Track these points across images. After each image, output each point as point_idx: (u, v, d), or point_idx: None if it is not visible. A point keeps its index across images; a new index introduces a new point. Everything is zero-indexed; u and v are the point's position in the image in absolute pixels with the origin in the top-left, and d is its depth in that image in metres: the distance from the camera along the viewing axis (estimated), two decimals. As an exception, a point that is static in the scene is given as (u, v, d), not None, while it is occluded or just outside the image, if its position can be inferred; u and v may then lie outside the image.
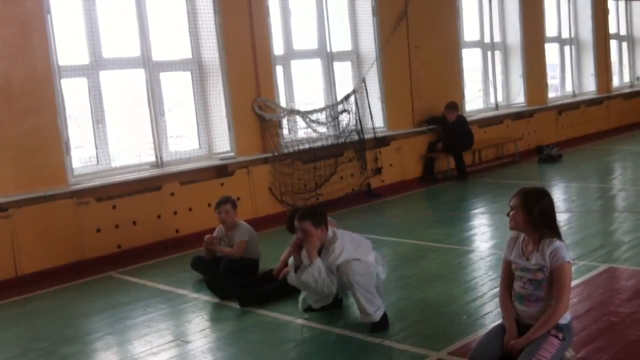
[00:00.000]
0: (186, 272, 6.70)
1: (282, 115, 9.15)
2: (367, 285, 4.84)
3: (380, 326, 4.86)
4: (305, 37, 9.94)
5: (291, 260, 5.14)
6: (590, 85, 15.60)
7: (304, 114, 9.39)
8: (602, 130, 15.29)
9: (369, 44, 10.49)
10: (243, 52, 8.75)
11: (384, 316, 4.90)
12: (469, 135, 11.35)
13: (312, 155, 9.42)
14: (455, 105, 11.16)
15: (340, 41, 10.34)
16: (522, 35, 13.24)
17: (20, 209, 6.89)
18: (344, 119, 9.84)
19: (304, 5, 9.87)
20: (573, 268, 3.86)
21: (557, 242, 3.78)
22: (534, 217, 3.78)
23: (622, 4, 16.91)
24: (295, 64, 9.72)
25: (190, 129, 8.79)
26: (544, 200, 3.84)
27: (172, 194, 8.04)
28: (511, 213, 3.86)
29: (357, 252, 4.97)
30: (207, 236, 6.49)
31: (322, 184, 9.43)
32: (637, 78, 17.35)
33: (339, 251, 4.89)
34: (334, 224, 5.44)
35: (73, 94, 7.68)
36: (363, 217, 8.92)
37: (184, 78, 8.69)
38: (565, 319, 3.78)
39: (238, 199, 6.98)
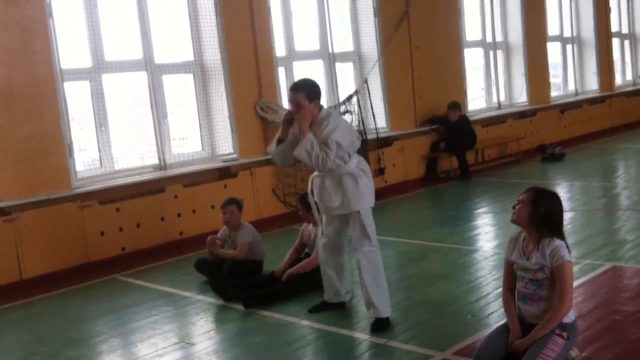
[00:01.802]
0: (190, 274, 6.70)
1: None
2: (378, 280, 4.88)
3: (382, 326, 4.87)
4: (307, 39, 9.95)
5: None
6: (592, 84, 15.59)
7: (306, 115, 9.37)
8: (605, 129, 15.27)
9: (370, 45, 10.49)
10: (245, 54, 8.76)
11: (388, 318, 4.91)
12: (472, 135, 11.34)
13: (315, 156, 9.39)
14: (458, 105, 11.16)
15: (342, 42, 10.34)
16: (524, 34, 13.23)
17: (23, 213, 6.90)
18: (347, 119, 9.83)
19: (305, 7, 9.88)
20: (577, 267, 3.86)
21: (557, 241, 3.78)
22: (539, 216, 3.77)
23: (624, 2, 16.89)
24: (297, 65, 9.72)
25: (192, 131, 8.80)
26: (552, 202, 3.84)
27: (176, 196, 8.05)
28: (517, 207, 3.86)
29: (348, 135, 4.83)
30: (209, 237, 6.50)
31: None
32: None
33: (333, 126, 4.70)
34: None
35: (75, 97, 7.69)
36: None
37: (186, 80, 8.69)
38: (569, 317, 3.78)
39: (242, 200, 6.98)
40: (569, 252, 3.80)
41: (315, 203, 5.13)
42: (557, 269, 3.74)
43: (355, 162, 4.92)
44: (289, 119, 4.83)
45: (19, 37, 6.95)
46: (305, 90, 4.76)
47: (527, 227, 3.86)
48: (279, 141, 4.92)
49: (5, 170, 6.88)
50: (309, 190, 5.19)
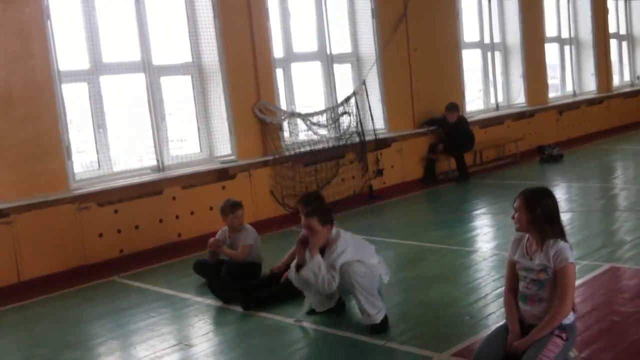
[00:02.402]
0: (189, 275, 6.69)
1: (282, 118, 9.16)
2: (369, 288, 4.85)
3: (380, 328, 4.86)
4: (305, 40, 9.95)
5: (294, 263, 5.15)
6: (590, 85, 15.61)
7: (305, 117, 9.39)
8: (603, 130, 15.28)
9: (368, 46, 10.50)
10: (243, 56, 8.76)
11: (385, 319, 4.90)
12: (470, 136, 11.35)
13: (313, 157, 9.41)
14: (456, 106, 11.16)
15: (340, 43, 10.34)
16: (522, 35, 13.25)
17: (21, 215, 6.89)
18: (345, 121, 9.84)
19: (303, 8, 9.88)
20: (575, 268, 3.85)
21: (561, 243, 3.78)
22: (537, 217, 3.78)
23: (621, 3, 16.92)
24: (295, 67, 9.72)
25: (191, 133, 8.80)
26: (546, 200, 3.84)
27: (174, 198, 8.04)
28: (515, 215, 3.86)
29: (360, 253, 4.97)
30: (211, 239, 6.49)
31: (324, 187, 9.42)
32: (638, 77, 17.36)
33: (341, 249, 4.89)
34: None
35: (73, 99, 7.69)
36: (364, 219, 8.91)
37: (185, 82, 8.69)
38: (568, 319, 3.78)
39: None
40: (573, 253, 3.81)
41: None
42: (560, 271, 3.74)
43: (375, 262, 5.05)
44: (304, 241, 4.98)
45: (17, 39, 6.94)
46: (319, 216, 4.94)
47: (530, 231, 3.87)
48: (298, 267, 5.03)
49: (3, 173, 6.87)
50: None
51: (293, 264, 5.15)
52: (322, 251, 4.94)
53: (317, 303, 5.31)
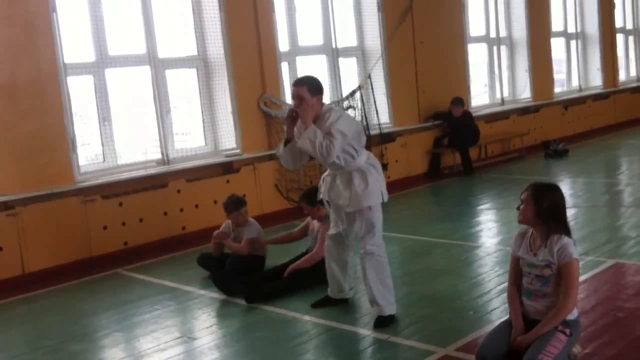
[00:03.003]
0: (193, 268, 6.71)
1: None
2: (382, 277, 4.89)
3: (386, 322, 4.87)
4: (310, 34, 9.93)
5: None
6: (596, 80, 15.55)
7: (310, 111, 9.35)
8: (609, 125, 15.23)
9: (374, 40, 10.47)
10: (248, 49, 8.75)
11: (392, 316, 4.92)
12: (475, 131, 11.33)
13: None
14: (461, 100, 11.14)
15: (345, 37, 10.33)
16: (528, 29, 13.19)
17: (26, 207, 6.91)
18: (350, 115, 9.81)
19: (309, 2, 9.86)
20: (580, 263, 3.85)
21: (565, 239, 3.77)
22: (544, 211, 3.77)
23: (628, -2, 16.84)
24: (300, 61, 9.71)
25: (195, 126, 8.80)
26: (555, 195, 3.83)
27: (178, 191, 8.05)
28: (521, 207, 3.85)
29: (354, 127, 4.78)
30: (216, 232, 6.50)
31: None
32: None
33: (336, 117, 4.67)
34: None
35: (79, 92, 7.69)
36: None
37: (190, 75, 8.69)
38: (572, 314, 3.77)
39: (244, 195, 7.00)
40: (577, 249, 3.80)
41: (327, 202, 5.11)
42: (564, 267, 3.73)
43: (365, 158, 4.87)
44: (293, 116, 4.76)
45: (23, 32, 6.94)
46: (307, 84, 4.73)
47: (534, 225, 3.85)
48: (286, 142, 4.86)
49: (9, 165, 6.88)
50: (319, 190, 5.16)
51: (282, 142, 4.92)
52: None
53: (334, 288, 5.31)
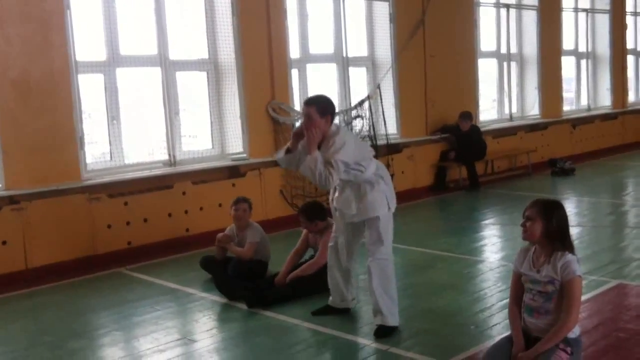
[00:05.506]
0: (195, 271, 6.71)
1: (295, 118, 9.15)
2: (387, 288, 4.90)
3: (387, 332, 4.86)
4: (321, 42, 9.96)
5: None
6: (605, 100, 15.53)
7: (318, 118, 9.36)
8: (617, 146, 15.19)
9: (385, 51, 10.50)
10: (259, 55, 8.78)
11: (395, 327, 4.91)
12: (482, 146, 11.32)
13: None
14: (470, 114, 11.15)
15: (356, 47, 10.35)
16: (538, 47, 13.20)
17: (32, 202, 6.93)
18: (358, 124, 9.83)
19: (321, 10, 9.89)
20: (583, 283, 3.84)
21: (569, 256, 3.76)
22: (552, 228, 3.75)
23: (640, 19, 16.84)
24: (310, 68, 9.73)
25: (203, 129, 8.82)
26: (561, 212, 3.82)
27: (184, 193, 8.07)
28: (527, 224, 3.82)
29: (358, 151, 4.81)
30: (219, 235, 6.51)
31: (333, 189, 9.40)
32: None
33: (340, 145, 4.67)
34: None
35: (89, 90, 7.72)
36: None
37: (200, 78, 8.72)
38: (574, 333, 3.76)
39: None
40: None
41: (335, 209, 5.12)
42: (567, 284, 3.72)
43: (373, 169, 4.91)
44: (299, 132, 4.84)
45: (37, 29, 6.98)
46: (316, 104, 4.78)
47: (540, 241, 3.83)
48: (288, 151, 4.93)
49: (18, 160, 6.91)
50: (330, 198, 5.18)
51: (284, 149, 4.95)
52: (319, 147, 4.71)
53: (337, 297, 5.33)
